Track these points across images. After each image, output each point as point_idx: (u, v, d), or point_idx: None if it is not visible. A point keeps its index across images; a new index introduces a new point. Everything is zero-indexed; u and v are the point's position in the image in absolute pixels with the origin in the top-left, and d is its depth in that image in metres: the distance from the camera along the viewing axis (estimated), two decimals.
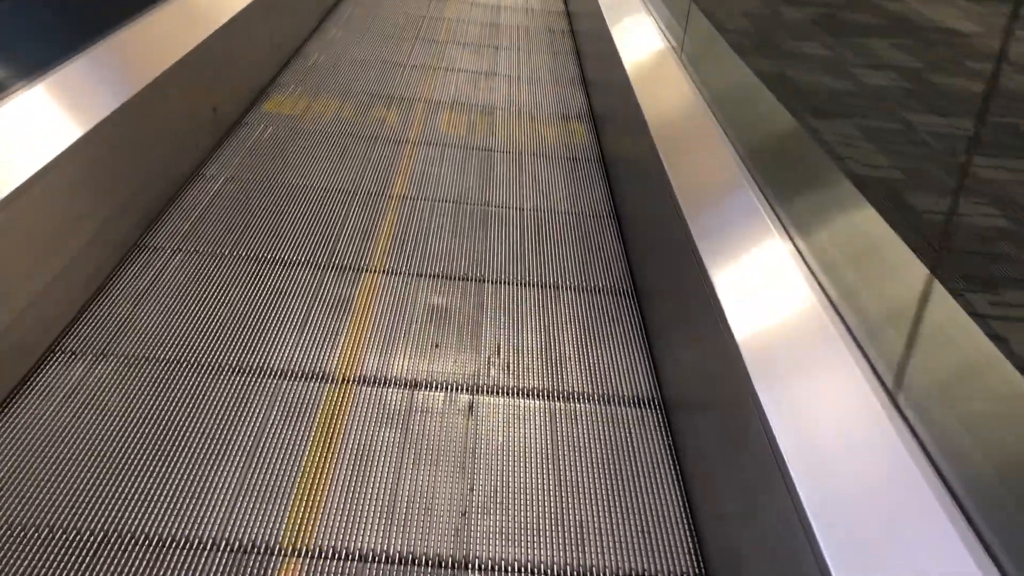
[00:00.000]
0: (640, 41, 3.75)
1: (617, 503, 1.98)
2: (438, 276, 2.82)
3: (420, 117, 4.10)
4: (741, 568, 1.67)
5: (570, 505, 1.96)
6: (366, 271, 2.80)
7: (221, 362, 2.29)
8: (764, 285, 1.92)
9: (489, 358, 2.44)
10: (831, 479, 1.39)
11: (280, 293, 2.62)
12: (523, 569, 1.78)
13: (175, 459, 1.96)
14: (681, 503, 1.99)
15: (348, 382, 2.27)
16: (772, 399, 1.57)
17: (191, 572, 1.69)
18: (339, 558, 1.76)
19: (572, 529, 1.89)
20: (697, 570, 1.82)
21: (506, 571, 1.78)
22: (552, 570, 1.79)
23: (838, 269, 1.77)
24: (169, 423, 2.06)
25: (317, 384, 2.25)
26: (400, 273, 2.81)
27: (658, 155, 2.68)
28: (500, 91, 4.59)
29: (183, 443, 2.01)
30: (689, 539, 1.90)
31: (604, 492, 2.01)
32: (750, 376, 1.64)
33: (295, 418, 2.12)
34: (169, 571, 1.69)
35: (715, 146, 2.53)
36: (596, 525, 1.91)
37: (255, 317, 2.49)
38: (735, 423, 1.76)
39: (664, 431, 2.22)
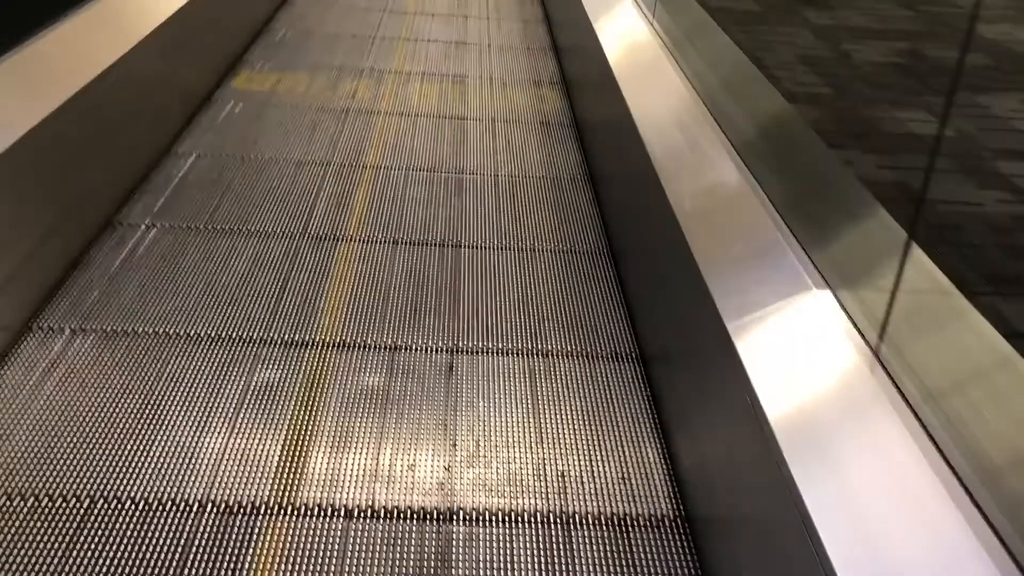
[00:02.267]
0: (611, 6, 3.75)
1: (598, 453, 2.01)
2: (415, 243, 2.83)
3: (391, 89, 4.09)
4: (719, 508, 1.71)
5: (552, 457, 1.99)
6: (343, 240, 2.80)
7: (200, 333, 2.29)
8: (738, 237, 1.95)
9: (468, 319, 2.46)
10: (802, 418, 1.43)
11: (258, 264, 2.63)
12: (507, 518, 1.81)
13: (157, 427, 1.97)
14: (660, 450, 2.03)
15: (328, 347, 2.29)
16: (746, 345, 1.60)
17: (178, 533, 1.71)
18: (324, 515, 1.78)
19: (554, 479, 1.93)
20: (677, 512, 1.86)
21: (490, 521, 1.81)
22: (535, 518, 1.82)
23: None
24: (150, 393, 2.07)
25: (297, 351, 2.26)
26: (376, 241, 2.82)
27: (631, 117, 2.69)
28: (471, 60, 4.58)
29: (165, 411, 2.02)
30: (669, 484, 1.93)
31: (585, 443, 2.04)
32: (725, 324, 1.66)
33: (276, 384, 2.14)
34: (157, 532, 1.70)
35: (688, 106, 2.55)
36: (577, 474, 1.94)
37: (232, 289, 2.49)
38: (711, 371, 1.79)
39: (642, 383, 2.25)
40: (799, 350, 1.56)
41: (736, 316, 1.68)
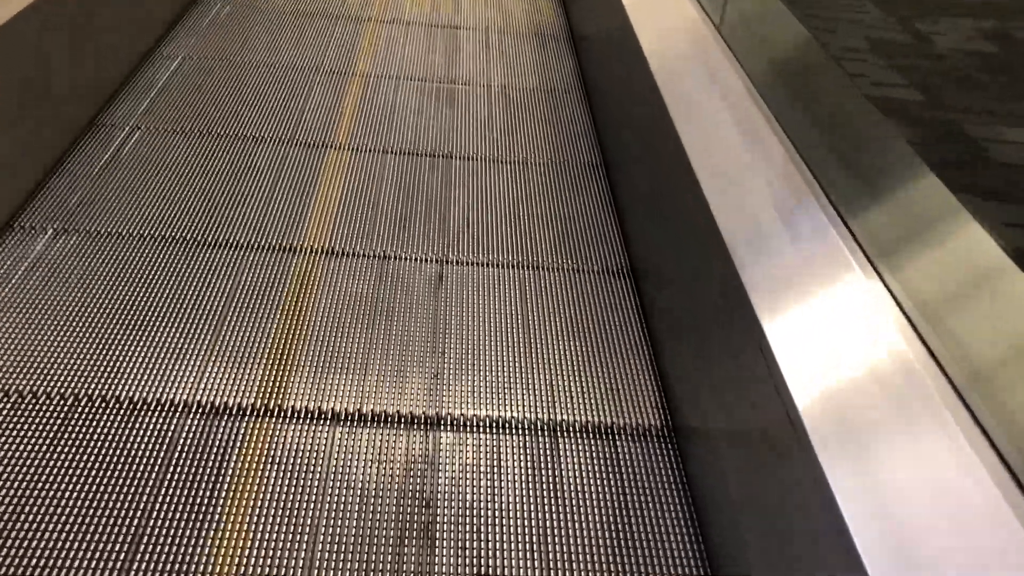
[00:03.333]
0: None
1: (585, 363, 2.00)
2: (405, 153, 2.77)
3: None
4: (707, 418, 1.71)
5: (540, 366, 1.98)
6: (331, 148, 2.74)
7: (186, 236, 2.25)
8: (741, 154, 1.91)
9: (458, 231, 2.42)
10: (796, 324, 1.41)
11: (244, 169, 2.57)
12: (495, 425, 1.81)
13: (142, 328, 1.95)
14: (649, 362, 2.02)
15: (317, 254, 2.25)
16: (743, 259, 1.57)
17: (163, 433, 1.70)
18: (311, 419, 1.77)
19: (542, 388, 1.92)
20: (664, 422, 1.86)
21: (478, 427, 1.81)
22: (523, 425, 1.82)
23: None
24: (134, 295, 2.04)
25: (285, 256, 2.23)
26: (366, 150, 2.76)
27: (630, 25, 2.61)
28: None
29: (150, 313, 1.99)
30: (656, 395, 1.93)
31: (573, 354, 2.03)
32: (724, 238, 1.63)
33: (263, 288, 2.11)
34: (141, 432, 1.70)
35: (688, 15, 2.48)
36: (566, 385, 1.94)
37: (219, 193, 2.44)
38: (704, 283, 1.77)
39: (633, 297, 2.23)
40: (797, 262, 1.54)
41: (735, 231, 1.65)
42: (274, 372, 1.87)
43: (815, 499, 1.13)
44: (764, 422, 1.36)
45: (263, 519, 1.55)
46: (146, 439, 1.68)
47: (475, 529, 1.58)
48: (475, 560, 1.53)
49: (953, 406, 1.13)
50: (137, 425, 1.71)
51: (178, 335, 1.94)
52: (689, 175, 1.85)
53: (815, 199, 1.59)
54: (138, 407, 1.75)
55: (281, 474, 1.64)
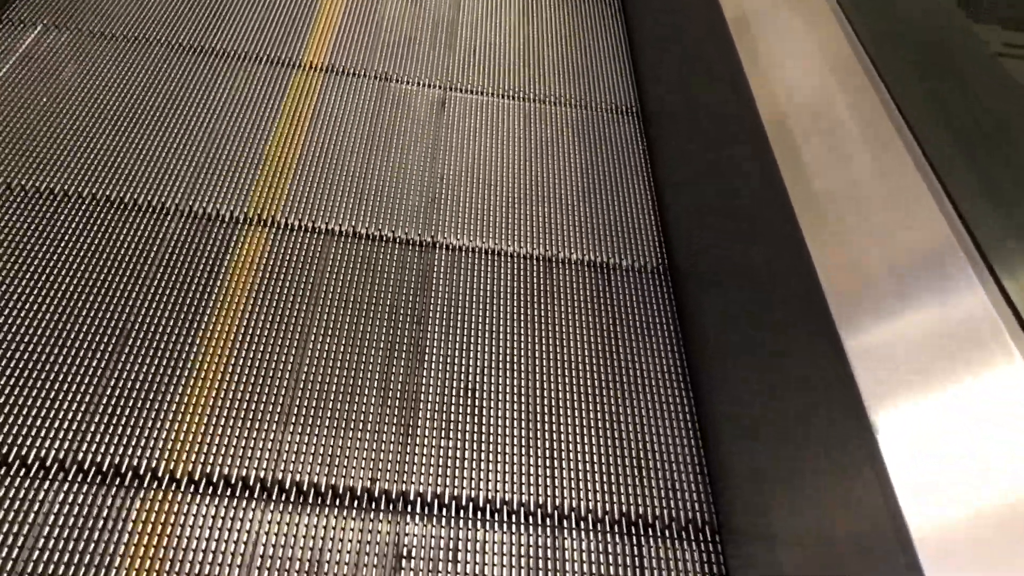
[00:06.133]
0: None
1: (587, 201, 1.97)
2: None
3: None
4: (696, 260, 1.70)
5: (540, 204, 1.94)
6: None
7: (182, 42, 2.17)
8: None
9: (464, 57, 2.33)
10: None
11: None
12: (488, 253, 1.79)
13: (136, 131, 1.89)
14: (651, 205, 1.99)
15: (317, 70, 2.17)
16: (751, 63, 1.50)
17: (155, 233, 1.68)
18: (307, 231, 1.75)
19: (540, 226, 1.89)
20: (662, 262, 1.85)
21: (473, 253, 1.79)
22: (519, 254, 1.80)
23: None
24: (129, 96, 1.97)
25: (284, 69, 2.15)
26: None
27: None
28: None
29: (144, 116, 1.93)
30: (657, 239, 1.91)
31: (577, 190, 1.99)
32: (743, 67, 1.56)
33: (261, 99, 2.04)
34: (133, 231, 1.67)
35: None
36: (567, 222, 1.91)
37: (216, 1, 2.33)
38: (721, 126, 1.71)
39: (640, 138, 2.18)
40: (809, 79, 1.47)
41: (757, 67, 1.57)
42: (270, 185, 1.84)
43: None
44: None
45: (254, 321, 1.55)
46: (139, 238, 1.66)
47: (464, 348, 1.59)
48: (464, 377, 1.54)
49: None
50: (129, 225, 1.69)
51: (173, 142, 1.89)
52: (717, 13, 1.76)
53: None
54: (129, 207, 1.72)
55: (274, 280, 1.64)
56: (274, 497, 1.33)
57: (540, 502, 1.38)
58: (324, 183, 1.87)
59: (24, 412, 1.36)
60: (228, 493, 1.32)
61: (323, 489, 1.35)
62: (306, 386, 1.48)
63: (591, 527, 1.37)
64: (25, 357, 1.43)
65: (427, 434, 1.45)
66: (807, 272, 1.15)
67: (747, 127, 1.46)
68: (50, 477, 1.30)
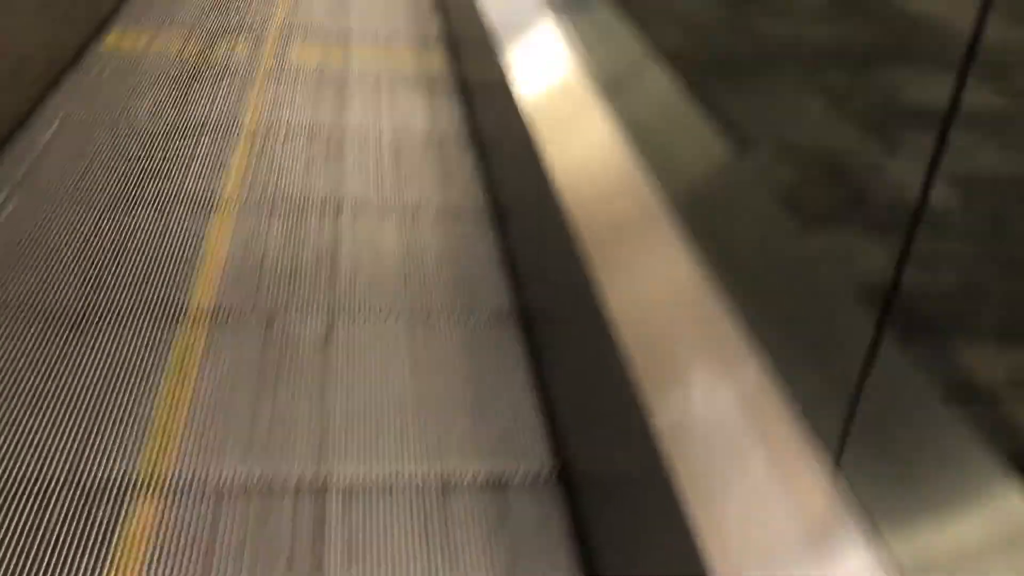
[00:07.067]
0: None
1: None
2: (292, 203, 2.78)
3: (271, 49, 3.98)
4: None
5: (428, 419, 2.00)
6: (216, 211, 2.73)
7: (62, 311, 2.21)
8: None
9: (347, 285, 2.44)
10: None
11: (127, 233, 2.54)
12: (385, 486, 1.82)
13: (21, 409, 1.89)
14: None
15: (199, 321, 2.24)
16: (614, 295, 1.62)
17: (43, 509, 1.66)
18: (193, 493, 1.75)
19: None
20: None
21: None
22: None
23: None
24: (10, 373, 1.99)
25: (169, 324, 2.21)
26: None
27: (508, 79, 2.69)
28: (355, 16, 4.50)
29: (28, 396, 1.94)
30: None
31: (465, 403, 2.05)
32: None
33: (144, 360, 2.08)
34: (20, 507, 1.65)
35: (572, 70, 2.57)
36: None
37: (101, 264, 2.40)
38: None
39: (521, 346, 2.28)
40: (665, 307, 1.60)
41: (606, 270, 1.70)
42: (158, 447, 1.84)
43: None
44: None
45: None
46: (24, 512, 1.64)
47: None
48: None
49: None
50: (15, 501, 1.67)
51: (59, 412, 1.89)
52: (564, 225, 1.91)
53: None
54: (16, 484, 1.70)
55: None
56: None
57: None
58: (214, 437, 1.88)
59: None
60: None
61: None
62: None
63: None
64: None
65: None
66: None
67: None
68: None
